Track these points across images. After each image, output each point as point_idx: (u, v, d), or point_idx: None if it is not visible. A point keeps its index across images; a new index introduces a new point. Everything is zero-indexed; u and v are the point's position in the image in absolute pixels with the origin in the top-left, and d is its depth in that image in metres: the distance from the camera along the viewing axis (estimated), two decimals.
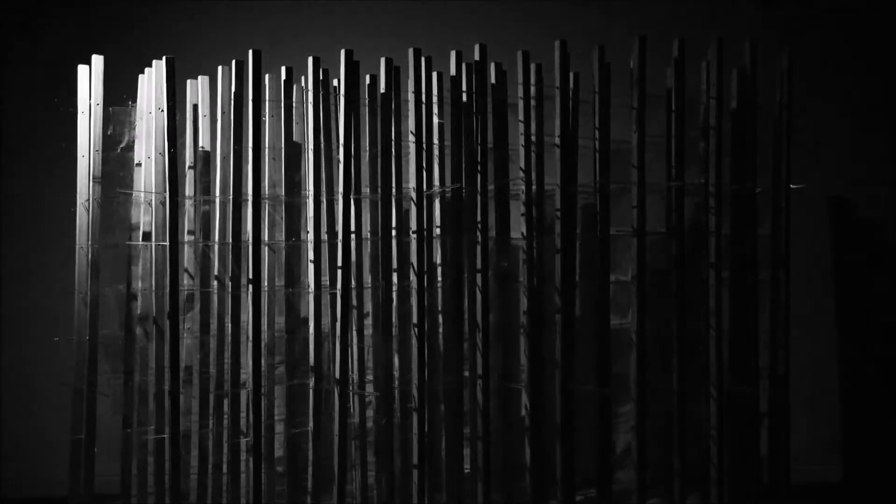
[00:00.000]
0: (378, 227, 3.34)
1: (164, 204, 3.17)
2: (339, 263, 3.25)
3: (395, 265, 3.34)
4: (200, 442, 3.27)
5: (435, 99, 3.34)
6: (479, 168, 3.35)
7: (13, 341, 3.62)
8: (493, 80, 3.37)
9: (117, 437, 3.33)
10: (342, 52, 3.24)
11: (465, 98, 3.34)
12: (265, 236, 3.32)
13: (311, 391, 3.25)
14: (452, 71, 3.33)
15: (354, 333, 3.30)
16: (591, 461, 3.39)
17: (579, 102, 3.40)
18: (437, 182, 3.35)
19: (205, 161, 3.34)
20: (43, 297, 3.59)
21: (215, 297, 3.30)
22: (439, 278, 3.36)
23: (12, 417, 3.62)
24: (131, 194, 3.35)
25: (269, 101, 3.33)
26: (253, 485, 3.17)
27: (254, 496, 3.17)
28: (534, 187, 3.36)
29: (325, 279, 3.29)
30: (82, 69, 3.26)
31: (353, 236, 3.26)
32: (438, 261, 3.37)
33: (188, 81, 3.37)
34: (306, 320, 3.30)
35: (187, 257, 3.32)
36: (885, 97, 3.95)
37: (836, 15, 3.94)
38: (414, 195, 3.28)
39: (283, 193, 3.32)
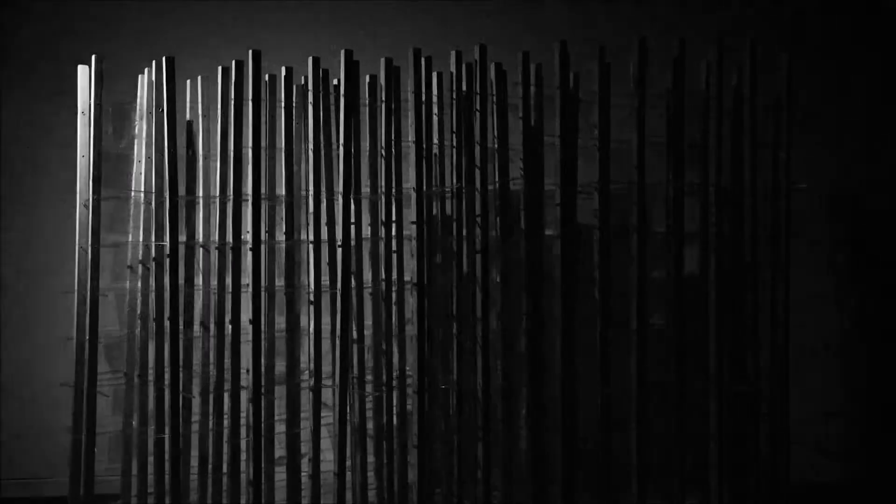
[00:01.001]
0: (378, 227, 3.34)
1: (164, 203, 3.17)
2: (339, 263, 3.26)
3: (394, 265, 3.34)
4: (200, 442, 3.27)
5: (435, 99, 3.35)
6: (479, 168, 3.35)
7: (13, 341, 3.62)
8: (493, 81, 3.37)
9: (117, 437, 3.33)
10: (342, 52, 3.24)
11: (464, 98, 3.34)
12: (265, 236, 3.32)
13: (311, 391, 3.25)
14: (453, 71, 3.33)
15: (354, 333, 3.30)
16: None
17: (579, 103, 3.40)
18: (436, 182, 3.36)
19: (204, 160, 3.34)
20: (43, 297, 3.59)
21: (214, 297, 3.29)
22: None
23: (12, 417, 3.62)
24: (131, 194, 3.35)
25: (268, 100, 3.33)
26: (253, 485, 3.17)
27: (254, 496, 3.18)
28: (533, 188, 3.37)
29: (325, 279, 3.29)
30: (82, 69, 3.26)
31: (352, 236, 3.26)
32: (438, 260, 3.38)
33: (188, 81, 3.37)
34: (306, 320, 3.31)
35: (186, 257, 3.33)
36: (886, 96, 3.95)
37: (837, 15, 3.94)
38: (414, 195, 3.29)
39: (284, 193, 3.32)
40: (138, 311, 3.31)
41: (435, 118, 3.35)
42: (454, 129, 3.34)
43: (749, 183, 3.44)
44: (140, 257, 3.30)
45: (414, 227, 3.28)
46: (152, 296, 3.23)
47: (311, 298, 3.27)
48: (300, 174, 3.36)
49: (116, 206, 3.45)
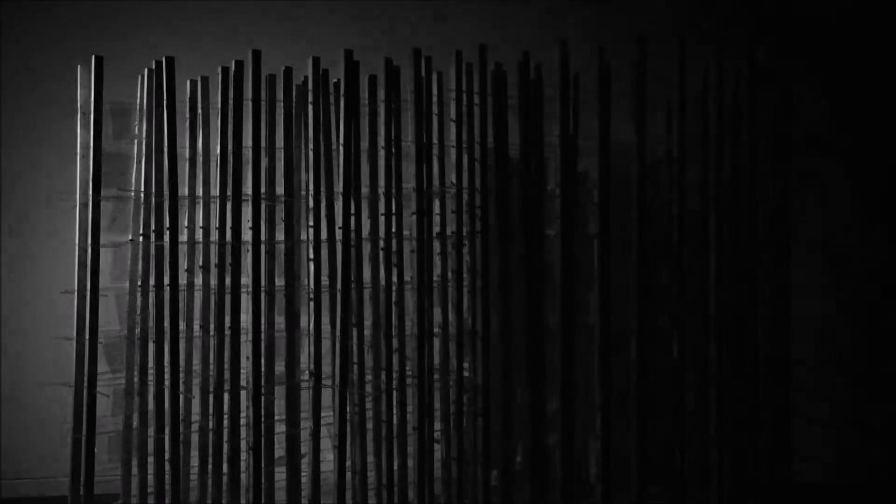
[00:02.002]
0: (378, 227, 3.34)
1: (164, 203, 3.17)
2: (339, 263, 3.26)
3: (394, 265, 3.34)
4: (200, 442, 3.27)
5: (435, 99, 3.35)
6: (478, 168, 3.35)
7: (13, 341, 3.62)
8: (492, 81, 3.38)
9: (117, 437, 3.33)
10: (342, 52, 3.24)
11: (464, 98, 3.34)
12: (265, 236, 3.32)
13: (311, 391, 3.25)
14: (452, 71, 3.33)
15: (354, 333, 3.30)
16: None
17: (580, 103, 3.41)
18: (436, 182, 3.36)
19: (205, 160, 3.34)
20: (43, 296, 3.59)
21: (214, 297, 3.29)
22: (436, 277, 3.37)
23: (12, 417, 3.62)
24: (131, 194, 3.34)
25: (267, 100, 3.33)
26: (253, 485, 3.17)
27: (254, 496, 3.17)
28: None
29: (325, 279, 3.29)
30: (82, 69, 3.25)
31: (352, 236, 3.27)
32: (437, 260, 3.38)
33: (188, 81, 3.37)
34: (306, 320, 3.31)
35: (187, 257, 3.33)
36: (886, 93, 3.95)
37: (837, 14, 3.95)
38: (414, 195, 3.29)
39: (283, 193, 3.32)
40: (138, 311, 3.31)
41: (435, 118, 3.36)
42: (454, 128, 3.35)
43: (748, 182, 3.44)
44: (140, 257, 3.30)
45: (414, 227, 3.29)
46: (152, 295, 3.23)
47: (311, 298, 3.27)
48: (300, 174, 3.36)
49: (116, 206, 3.45)
